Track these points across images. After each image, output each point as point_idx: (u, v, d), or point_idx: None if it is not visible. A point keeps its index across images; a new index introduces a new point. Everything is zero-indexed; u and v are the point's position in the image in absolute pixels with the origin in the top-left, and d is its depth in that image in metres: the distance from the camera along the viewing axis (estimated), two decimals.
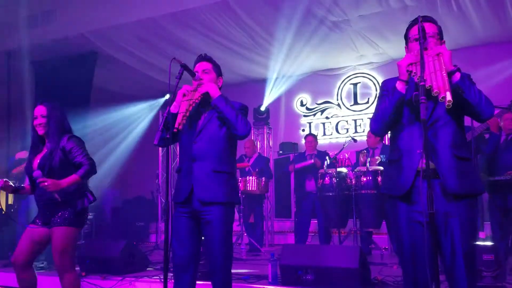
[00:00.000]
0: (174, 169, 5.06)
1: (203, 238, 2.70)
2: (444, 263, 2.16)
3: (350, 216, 5.86)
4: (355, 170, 5.77)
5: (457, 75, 2.12)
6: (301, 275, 3.77)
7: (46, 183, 2.90)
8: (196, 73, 2.72)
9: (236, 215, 6.24)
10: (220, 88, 2.77)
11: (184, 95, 2.66)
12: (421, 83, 2.03)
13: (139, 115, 9.08)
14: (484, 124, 4.71)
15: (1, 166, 7.26)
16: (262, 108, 8.24)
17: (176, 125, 2.54)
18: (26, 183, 3.36)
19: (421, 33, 2.15)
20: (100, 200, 4.64)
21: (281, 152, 7.77)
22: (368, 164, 5.60)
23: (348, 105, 8.55)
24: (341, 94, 8.61)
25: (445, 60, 2.10)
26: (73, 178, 3.04)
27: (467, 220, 2.16)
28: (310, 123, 8.80)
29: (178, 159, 5.03)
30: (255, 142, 7.90)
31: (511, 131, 4.91)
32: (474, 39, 7.05)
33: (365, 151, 5.97)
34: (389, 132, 2.43)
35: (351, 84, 8.55)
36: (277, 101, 8.69)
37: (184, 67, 2.64)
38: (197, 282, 2.74)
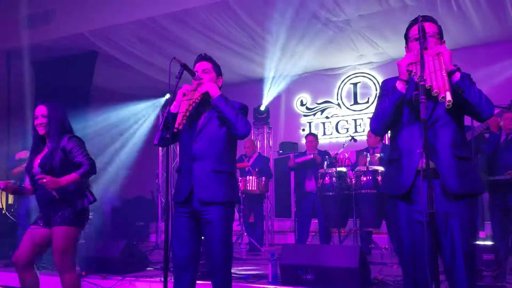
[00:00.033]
0: (174, 169, 5.05)
1: (203, 238, 2.70)
2: (444, 263, 2.16)
3: (350, 216, 5.86)
4: (355, 169, 5.77)
5: (457, 75, 2.12)
6: (301, 274, 3.78)
7: (44, 180, 2.90)
8: (196, 73, 2.72)
9: (236, 215, 6.24)
10: (220, 88, 2.77)
11: (184, 94, 2.66)
12: (421, 83, 2.03)
13: (139, 115, 9.08)
14: (484, 124, 4.72)
15: (1, 166, 7.26)
16: (262, 108, 8.24)
17: (176, 125, 2.53)
18: (27, 183, 3.36)
19: (421, 32, 2.15)
20: (100, 199, 4.64)
21: (281, 151, 7.77)
22: (368, 164, 5.60)
23: (348, 104, 8.55)
24: (341, 93, 8.61)
25: (445, 59, 2.10)
26: (72, 176, 3.04)
27: (467, 220, 2.16)
28: (310, 123, 8.81)
29: (178, 158, 5.03)
30: (255, 142, 7.90)
31: (511, 130, 4.91)
32: (474, 39, 7.05)
33: (365, 152, 5.96)
34: (389, 131, 2.43)
35: (351, 83, 8.55)
36: (277, 100, 8.69)
37: (184, 66, 2.64)
38: (197, 282, 2.74)
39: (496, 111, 4.63)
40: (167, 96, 8.37)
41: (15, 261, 3.15)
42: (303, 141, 6.93)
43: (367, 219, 5.63)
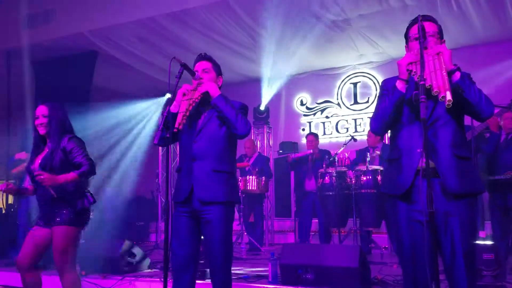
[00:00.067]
0: (174, 168, 5.05)
1: (202, 237, 2.70)
2: (444, 263, 2.16)
3: (350, 216, 5.86)
4: (355, 169, 5.77)
5: (457, 74, 2.12)
6: (301, 274, 3.77)
7: (42, 176, 2.91)
8: (196, 72, 2.72)
9: (236, 215, 6.24)
10: (220, 88, 2.76)
11: (184, 94, 2.65)
12: (421, 82, 2.03)
13: (139, 115, 9.08)
14: (483, 124, 4.71)
15: (1, 166, 7.27)
16: (262, 108, 8.24)
17: (176, 125, 2.53)
18: (27, 184, 3.36)
19: (421, 32, 2.15)
20: (100, 199, 4.64)
21: (281, 151, 7.77)
22: (367, 163, 5.60)
23: (348, 104, 8.55)
24: (341, 93, 8.61)
25: (445, 59, 2.09)
26: (70, 175, 3.04)
27: (467, 220, 2.16)
28: (310, 123, 8.81)
29: (178, 158, 5.03)
30: (255, 142, 7.90)
31: (511, 130, 4.91)
32: (474, 39, 7.06)
33: (368, 153, 5.95)
34: (389, 131, 2.43)
35: (351, 83, 8.56)
36: (277, 100, 8.69)
37: (184, 66, 2.63)
38: (197, 281, 2.74)
39: (496, 110, 4.62)
40: (167, 95, 8.38)
41: (17, 263, 3.14)
42: (303, 140, 6.93)
43: (367, 219, 5.63)
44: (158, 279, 4.18)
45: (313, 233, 6.95)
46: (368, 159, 5.66)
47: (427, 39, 2.24)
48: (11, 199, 6.73)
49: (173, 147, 8.15)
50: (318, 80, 8.69)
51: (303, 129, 8.77)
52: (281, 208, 8.56)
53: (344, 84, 8.60)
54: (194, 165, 2.64)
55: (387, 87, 2.34)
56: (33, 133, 3.26)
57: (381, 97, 2.36)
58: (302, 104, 8.90)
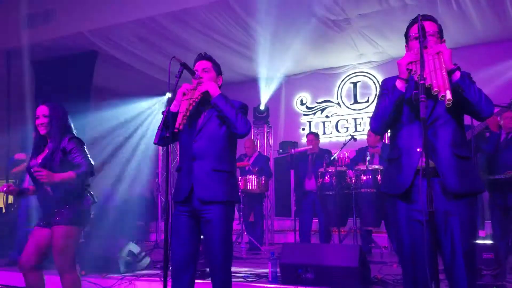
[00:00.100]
0: (174, 168, 5.05)
1: (202, 237, 2.70)
2: (444, 262, 2.16)
3: (350, 215, 5.86)
4: (355, 168, 5.77)
5: (457, 74, 2.12)
6: (301, 273, 3.77)
7: (40, 173, 2.91)
8: (196, 72, 2.72)
9: (236, 214, 6.25)
10: (220, 87, 2.76)
11: (184, 94, 2.65)
12: (420, 82, 2.03)
13: (139, 114, 9.08)
14: (483, 123, 4.71)
15: (1, 166, 7.27)
16: (262, 107, 8.24)
17: (176, 125, 2.52)
18: (27, 184, 3.37)
19: (421, 31, 2.15)
20: (100, 199, 4.64)
21: (281, 151, 7.77)
22: (367, 163, 5.61)
23: (348, 104, 8.56)
24: (341, 93, 8.61)
25: (445, 58, 2.09)
26: (68, 174, 3.05)
27: (467, 219, 2.16)
28: (310, 122, 8.81)
29: (178, 158, 5.03)
30: (255, 141, 7.90)
31: (511, 129, 4.91)
32: (474, 38, 7.06)
33: (367, 152, 5.95)
34: (389, 130, 2.43)
35: (351, 83, 8.56)
36: (276, 100, 8.69)
37: (184, 65, 2.63)
38: (196, 281, 2.74)
39: (496, 110, 4.62)
40: (167, 95, 8.38)
41: (20, 264, 3.14)
42: (303, 140, 6.93)
43: (367, 218, 5.63)
44: (158, 279, 4.18)
45: (313, 233, 6.96)
46: (368, 158, 5.66)
47: (427, 39, 2.24)
48: (11, 199, 6.73)
49: (173, 146, 8.16)
50: (318, 79, 8.69)
51: (303, 129, 8.77)
52: (281, 208, 8.57)
53: (344, 83, 8.60)
54: (194, 165, 2.64)
55: (387, 86, 2.34)
56: (34, 133, 3.26)
57: (381, 97, 2.36)
58: (302, 103, 8.90)
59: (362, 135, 7.12)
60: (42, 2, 7.19)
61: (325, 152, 6.39)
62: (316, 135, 6.80)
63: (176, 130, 2.54)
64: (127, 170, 8.59)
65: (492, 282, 3.60)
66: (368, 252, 5.73)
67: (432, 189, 1.99)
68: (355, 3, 6.08)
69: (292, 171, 7.07)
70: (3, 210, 6.95)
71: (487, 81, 6.41)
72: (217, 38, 7.03)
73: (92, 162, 3.18)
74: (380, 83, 2.54)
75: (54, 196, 3.06)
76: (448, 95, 1.95)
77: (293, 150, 6.56)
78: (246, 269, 4.67)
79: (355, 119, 8.45)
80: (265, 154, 7.74)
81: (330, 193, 5.78)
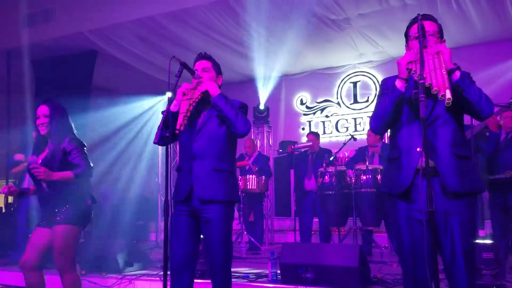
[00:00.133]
0: (174, 167, 5.04)
1: (202, 236, 2.70)
2: (444, 262, 2.16)
3: (350, 215, 5.86)
4: (355, 168, 5.77)
5: (457, 74, 2.12)
6: (301, 273, 3.78)
7: (38, 169, 2.91)
8: (196, 72, 2.71)
9: (236, 214, 6.25)
10: (219, 87, 2.76)
11: (184, 93, 2.65)
12: (420, 81, 2.03)
13: (138, 114, 9.08)
14: (482, 123, 4.71)
15: (1, 166, 7.27)
16: (262, 107, 8.24)
17: (177, 126, 2.51)
18: (27, 184, 3.37)
19: (420, 31, 2.15)
20: (100, 198, 4.64)
21: (281, 150, 7.77)
22: (367, 162, 5.61)
23: (348, 103, 8.56)
24: (341, 92, 8.61)
25: (445, 58, 2.09)
26: (66, 174, 3.05)
27: (467, 219, 2.16)
28: (310, 122, 8.81)
29: (178, 157, 5.03)
30: (255, 141, 7.90)
31: (511, 129, 4.91)
32: (474, 38, 7.05)
33: (367, 152, 5.95)
34: (389, 130, 2.42)
35: (350, 82, 8.56)
36: (276, 99, 8.70)
37: (184, 65, 2.63)
38: (196, 280, 2.74)
39: (496, 109, 4.62)
40: (167, 94, 8.37)
41: (21, 263, 3.14)
42: (303, 140, 6.93)
43: (367, 218, 5.63)
44: (158, 279, 4.18)
45: (313, 233, 6.96)
46: (366, 158, 5.66)
47: (427, 38, 2.23)
48: (11, 199, 6.73)
49: (172, 146, 8.15)
50: (318, 79, 8.69)
51: (303, 128, 8.77)
52: (281, 207, 8.57)
53: (344, 83, 8.60)
54: (194, 164, 2.64)
55: (386, 86, 2.34)
56: (34, 133, 3.26)
57: (381, 96, 2.35)
58: (302, 103, 8.90)
59: (362, 135, 7.11)
60: (42, 2, 7.18)
61: (325, 152, 6.39)
62: (316, 135, 6.80)
63: (177, 131, 2.53)
64: (127, 170, 8.60)
65: (491, 282, 3.60)
66: (368, 251, 5.72)
67: (432, 189, 1.99)
68: (355, 2, 6.08)
69: (292, 171, 7.07)
70: (3, 210, 6.96)
71: (487, 81, 6.42)
72: (217, 38, 7.03)
73: (91, 164, 3.18)
74: (380, 83, 2.54)
75: (51, 194, 3.06)
76: (448, 94, 1.95)
77: (292, 146, 6.56)
78: (246, 269, 4.67)
79: (355, 119, 8.45)
80: (265, 154, 7.74)
81: (330, 192, 5.78)
